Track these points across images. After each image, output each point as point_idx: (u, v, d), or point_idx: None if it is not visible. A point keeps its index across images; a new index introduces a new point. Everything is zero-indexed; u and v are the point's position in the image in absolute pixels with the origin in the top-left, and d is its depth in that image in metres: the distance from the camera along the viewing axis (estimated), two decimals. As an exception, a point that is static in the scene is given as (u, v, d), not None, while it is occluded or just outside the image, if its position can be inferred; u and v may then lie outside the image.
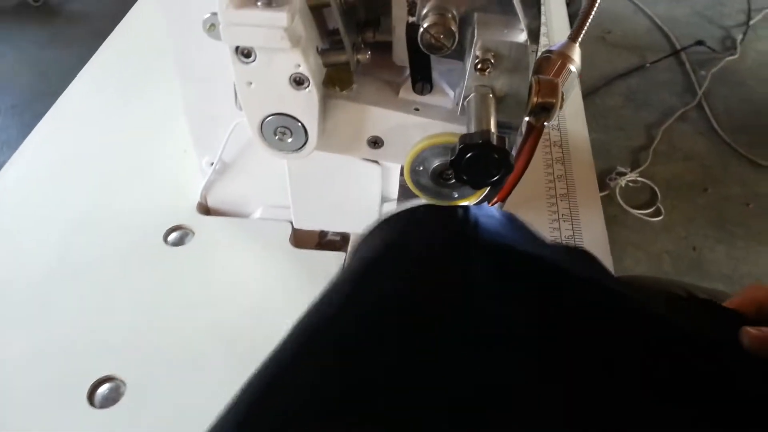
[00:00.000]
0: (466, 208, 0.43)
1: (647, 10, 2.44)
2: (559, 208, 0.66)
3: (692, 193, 1.81)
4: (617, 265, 0.80)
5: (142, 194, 0.67)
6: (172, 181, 0.68)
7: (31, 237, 0.62)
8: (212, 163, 0.62)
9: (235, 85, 0.47)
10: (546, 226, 0.63)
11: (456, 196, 0.43)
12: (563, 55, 0.48)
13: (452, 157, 0.33)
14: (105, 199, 0.66)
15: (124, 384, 0.50)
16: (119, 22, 0.94)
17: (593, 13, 0.44)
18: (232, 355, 0.52)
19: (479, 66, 0.35)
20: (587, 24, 0.45)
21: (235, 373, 0.50)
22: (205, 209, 0.66)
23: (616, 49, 2.28)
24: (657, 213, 1.74)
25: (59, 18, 2.33)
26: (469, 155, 0.32)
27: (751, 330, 0.38)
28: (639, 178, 1.82)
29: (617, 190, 1.75)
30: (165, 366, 0.52)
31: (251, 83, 0.40)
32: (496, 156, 0.32)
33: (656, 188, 1.80)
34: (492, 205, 0.45)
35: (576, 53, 0.49)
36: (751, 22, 2.37)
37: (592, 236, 0.63)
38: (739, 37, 2.29)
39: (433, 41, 0.35)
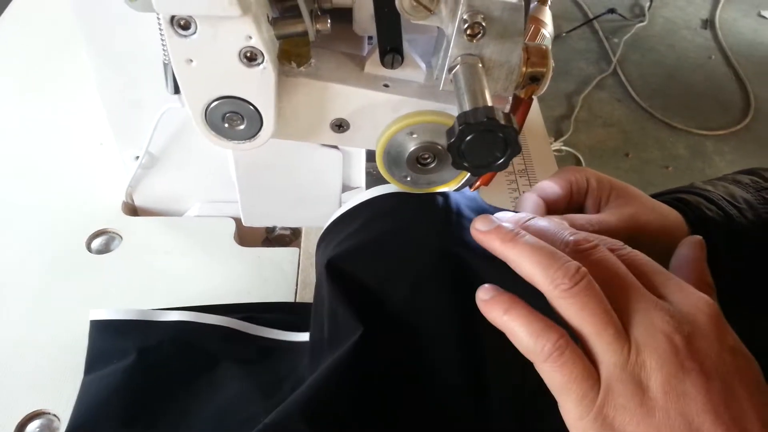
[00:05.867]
0: (446, 195, 0.38)
1: (559, -21, 2.46)
2: (519, 185, 0.62)
3: (615, 158, 1.86)
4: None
5: (56, 197, 0.58)
6: (89, 179, 0.60)
7: None
8: (137, 157, 0.54)
9: (166, 65, 0.41)
10: (508, 205, 0.60)
11: (435, 182, 0.38)
12: (536, 20, 0.44)
13: (451, 140, 0.28)
14: (12, 208, 0.57)
15: (58, 419, 0.44)
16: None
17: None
18: (180, 375, 0.46)
19: (468, 32, 0.30)
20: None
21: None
22: (131, 209, 0.58)
23: (532, 18, 2.30)
24: (583, 180, 1.77)
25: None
26: (470, 137, 0.27)
27: (477, 222, 0.33)
28: (563, 147, 1.84)
29: (544, 160, 1.77)
30: (103, 395, 0.45)
31: (191, 61, 0.33)
32: (502, 135, 0.27)
33: (580, 156, 1.83)
34: (474, 190, 0.40)
35: (547, 16, 0.45)
36: (657, -11, 2.45)
37: (555, 212, 0.60)
38: (647, 4, 2.36)
39: (414, 3, 0.30)
